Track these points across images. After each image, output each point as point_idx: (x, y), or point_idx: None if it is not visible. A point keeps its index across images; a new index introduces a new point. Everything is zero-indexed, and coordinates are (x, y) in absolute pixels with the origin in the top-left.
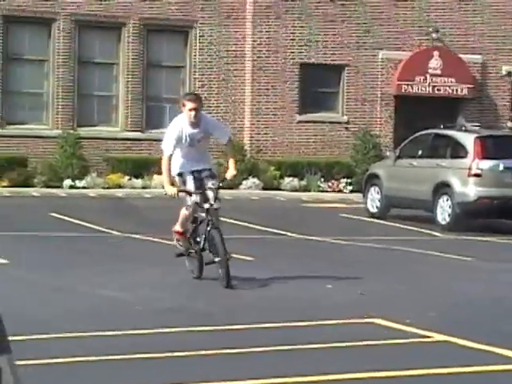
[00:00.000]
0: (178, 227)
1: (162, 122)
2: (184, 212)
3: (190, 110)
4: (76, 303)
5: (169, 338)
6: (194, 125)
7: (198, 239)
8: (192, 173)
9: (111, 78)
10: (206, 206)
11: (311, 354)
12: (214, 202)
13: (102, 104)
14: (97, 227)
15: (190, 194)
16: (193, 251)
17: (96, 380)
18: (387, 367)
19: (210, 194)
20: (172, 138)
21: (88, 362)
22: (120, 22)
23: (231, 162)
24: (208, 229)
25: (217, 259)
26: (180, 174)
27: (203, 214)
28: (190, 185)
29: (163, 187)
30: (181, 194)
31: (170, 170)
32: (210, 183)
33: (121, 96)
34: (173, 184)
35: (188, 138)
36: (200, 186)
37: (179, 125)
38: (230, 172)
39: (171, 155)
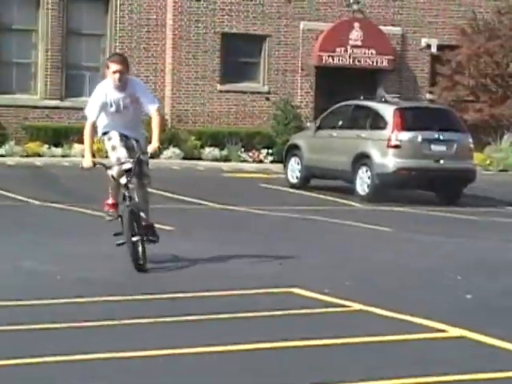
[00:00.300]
0: (109, 200)
1: (83, 91)
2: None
3: (115, 72)
4: None
5: (90, 308)
6: (119, 88)
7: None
8: (120, 134)
9: (30, 45)
10: (123, 180)
11: (230, 323)
12: (139, 178)
13: (21, 71)
14: (15, 196)
15: (106, 167)
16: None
17: (14, 349)
18: (304, 336)
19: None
20: (95, 104)
21: (6, 332)
22: None
23: (155, 134)
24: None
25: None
26: (105, 133)
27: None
28: (116, 140)
29: (83, 157)
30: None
31: (92, 137)
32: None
33: (40, 63)
34: (94, 156)
35: (113, 104)
36: (126, 153)
37: (103, 89)
38: (153, 145)
39: (94, 122)
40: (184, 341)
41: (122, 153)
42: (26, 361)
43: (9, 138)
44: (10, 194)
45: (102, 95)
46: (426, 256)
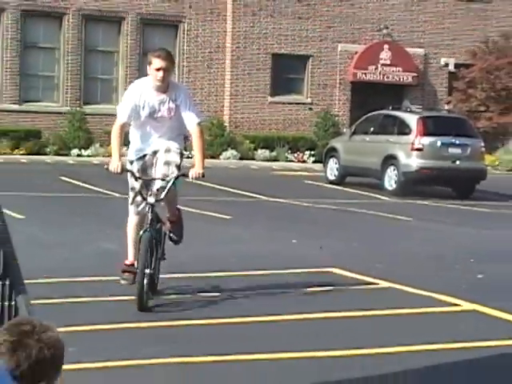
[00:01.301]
0: (129, 256)
1: None
2: (131, 220)
3: (158, 69)
4: (78, 254)
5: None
6: (160, 89)
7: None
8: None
9: (112, 63)
10: (150, 200)
11: (279, 296)
12: (160, 197)
13: (104, 86)
14: (99, 189)
15: (135, 177)
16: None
17: (93, 316)
18: (343, 309)
19: (159, 184)
20: (127, 104)
21: (89, 303)
22: (120, 17)
23: (198, 158)
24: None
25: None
26: (132, 162)
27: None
28: (136, 183)
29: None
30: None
31: (120, 139)
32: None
33: (120, 79)
34: (122, 156)
35: (147, 107)
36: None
37: (139, 88)
38: (196, 170)
39: (125, 123)
40: (245, 311)
41: (138, 198)
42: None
43: (94, 141)
44: (95, 188)
45: (136, 95)
46: (444, 242)
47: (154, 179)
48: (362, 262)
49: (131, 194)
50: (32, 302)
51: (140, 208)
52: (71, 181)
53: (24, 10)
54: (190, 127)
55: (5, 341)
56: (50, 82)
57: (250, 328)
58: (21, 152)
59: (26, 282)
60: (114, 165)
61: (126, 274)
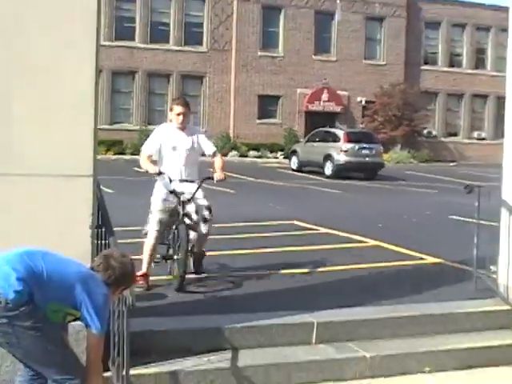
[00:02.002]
0: (141, 270)
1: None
2: (150, 240)
3: (179, 114)
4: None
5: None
6: (181, 129)
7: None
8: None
9: (164, 101)
10: (188, 221)
11: (258, 238)
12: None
13: (160, 112)
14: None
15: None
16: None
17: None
18: (299, 244)
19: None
20: (153, 140)
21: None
22: (168, 74)
23: (219, 166)
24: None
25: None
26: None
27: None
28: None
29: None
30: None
31: (148, 160)
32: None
33: (168, 111)
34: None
35: (172, 141)
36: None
37: (163, 129)
38: (219, 175)
39: (150, 155)
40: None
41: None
42: None
43: None
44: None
45: (161, 133)
46: (359, 205)
47: (189, 200)
48: (311, 216)
49: (156, 223)
50: (118, 241)
51: (161, 228)
52: (140, 170)
53: (113, 71)
54: (211, 151)
55: (100, 263)
56: (128, 111)
57: (241, 256)
58: (110, 153)
59: (114, 229)
60: (154, 169)
61: (141, 282)
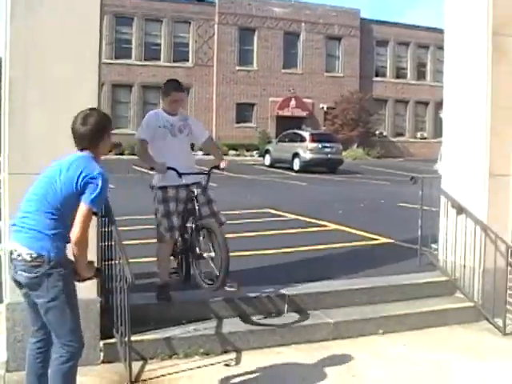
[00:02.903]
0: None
1: None
2: (164, 247)
3: (177, 101)
4: (139, 203)
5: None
6: (173, 114)
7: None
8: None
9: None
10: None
11: (236, 225)
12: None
13: None
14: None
15: (178, 173)
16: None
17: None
18: (273, 228)
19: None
20: (146, 126)
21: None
22: (158, 86)
23: (219, 154)
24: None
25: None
26: (162, 188)
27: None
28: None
29: (151, 169)
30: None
31: (148, 152)
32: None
33: None
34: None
35: (168, 124)
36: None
37: (155, 115)
38: (225, 162)
39: (144, 142)
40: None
41: (175, 220)
42: None
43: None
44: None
45: (154, 119)
46: (322, 194)
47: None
48: (282, 205)
49: (166, 220)
50: (119, 228)
51: (174, 232)
52: (139, 169)
53: (113, 84)
54: (205, 136)
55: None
56: (126, 119)
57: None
58: (112, 153)
59: (116, 218)
60: (163, 166)
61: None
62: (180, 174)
